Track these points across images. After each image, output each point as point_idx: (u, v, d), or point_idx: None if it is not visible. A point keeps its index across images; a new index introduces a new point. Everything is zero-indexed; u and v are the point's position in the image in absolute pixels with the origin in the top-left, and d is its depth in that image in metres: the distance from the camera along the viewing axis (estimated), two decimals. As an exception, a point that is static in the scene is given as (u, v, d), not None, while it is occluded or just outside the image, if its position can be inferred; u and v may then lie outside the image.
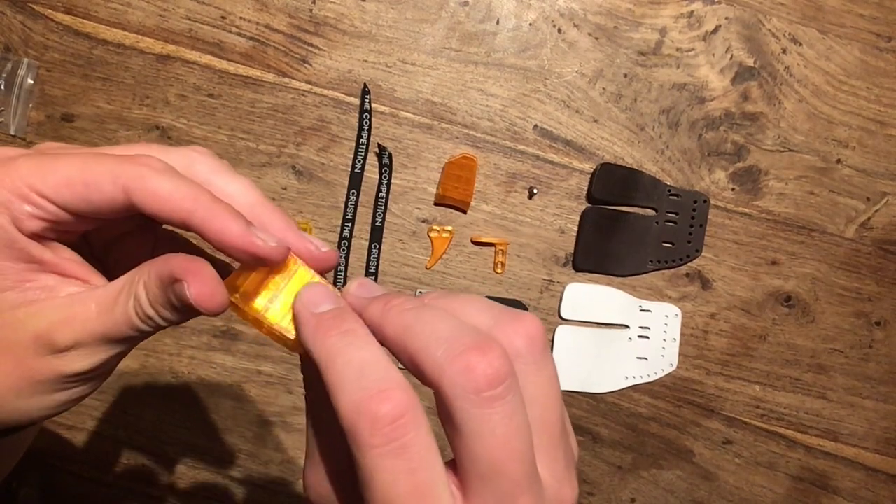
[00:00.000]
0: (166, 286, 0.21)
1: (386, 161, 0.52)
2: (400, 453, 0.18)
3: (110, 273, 0.24)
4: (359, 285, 0.23)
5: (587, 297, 0.54)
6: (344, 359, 0.20)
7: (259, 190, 0.24)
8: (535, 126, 0.54)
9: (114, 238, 0.25)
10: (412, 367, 0.20)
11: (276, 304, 0.22)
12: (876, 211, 0.56)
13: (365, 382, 0.19)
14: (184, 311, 0.21)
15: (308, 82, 0.52)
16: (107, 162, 0.21)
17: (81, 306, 0.22)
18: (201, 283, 0.20)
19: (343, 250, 0.53)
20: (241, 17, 0.52)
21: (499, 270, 0.54)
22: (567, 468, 0.21)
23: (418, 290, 0.53)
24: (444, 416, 0.19)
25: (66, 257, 0.23)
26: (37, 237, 0.21)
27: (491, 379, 0.18)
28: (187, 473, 0.52)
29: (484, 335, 0.19)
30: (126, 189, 0.21)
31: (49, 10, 0.51)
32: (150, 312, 0.21)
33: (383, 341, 0.21)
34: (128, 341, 0.22)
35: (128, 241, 0.25)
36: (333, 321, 0.21)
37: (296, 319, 0.22)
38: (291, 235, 0.23)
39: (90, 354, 0.22)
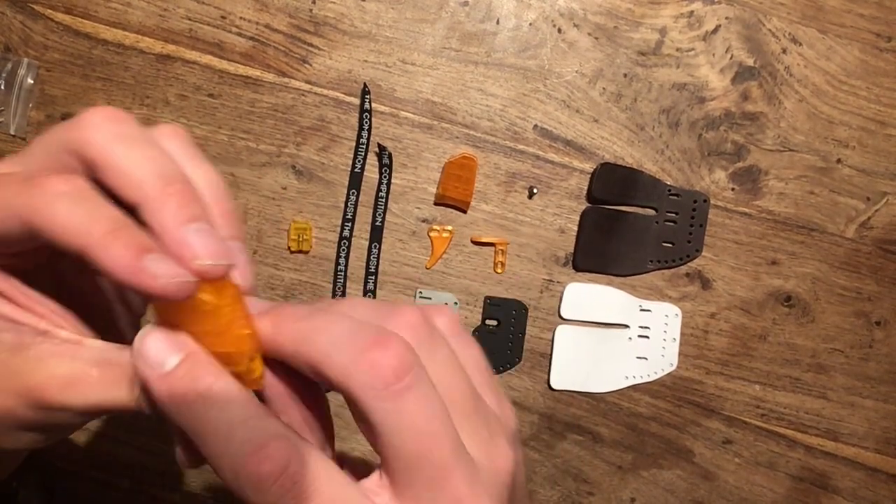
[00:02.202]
0: None
1: (386, 161, 0.52)
2: (298, 499, 0.18)
3: (87, 298, 0.23)
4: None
5: (587, 296, 0.54)
6: (209, 427, 0.18)
7: (222, 186, 0.21)
8: (535, 126, 0.54)
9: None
10: (317, 376, 0.19)
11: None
12: (876, 211, 0.56)
13: (237, 447, 0.18)
14: None
15: (308, 82, 0.52)
16: (3, 192, 0.19)
17: (83, 369, 0.20)
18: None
19: (343, 250, 0.53)
20: (241, 17, 0.52)
21: (499, 270, 0.54)
22: (492, 437, 0.21)
23: (419, 291, 0.54)
24: (359, 417, 0.19)
25: (30, 295, 0.21)
26: None
27: (397, 370, 0.18)
28: (188, 473, 0.52)
29: (381, 329, 0.19)
30: (24, 221, 0.19)
31: (49, 10, 0.51)
32: None
33: (280, 355, 0.20)
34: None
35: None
36: (186, 383, 0.18)
37: (142, 382, 0.19)
38: (225, 253, 0.19)
39: (80, 416, 0.20)
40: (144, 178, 0.19)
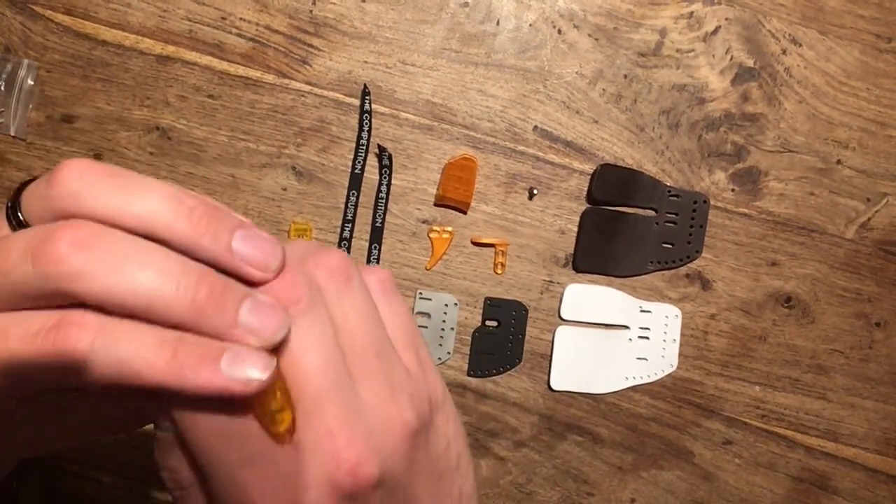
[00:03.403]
0: None
1: (386, 162, 0.52)
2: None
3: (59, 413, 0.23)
4: None
5: (587, 297, 0.54)
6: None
7: (178, 192, 0.19)
8: (535, 127, 0.54)
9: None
10: None
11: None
12: (876, 212, 0.56)
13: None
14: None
15: (308, 83, 0.52)
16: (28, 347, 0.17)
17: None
18: None
19: (343, 251, 0.53)
20: (241, 18, 0.52)
21: (499, 271, 0.54)
22: (393, 393, 0.21)
23: (419, 292, 0.54)
24: None
25: None
26: None
27: (286, 298, 0.19)
28: (187, 474, 0.53)
29: (293, 265, 0.20)
30: (64, 376, 0.18)
31: (49, 11, 0.51)
32: None
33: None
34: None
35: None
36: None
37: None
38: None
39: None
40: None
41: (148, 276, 0.17)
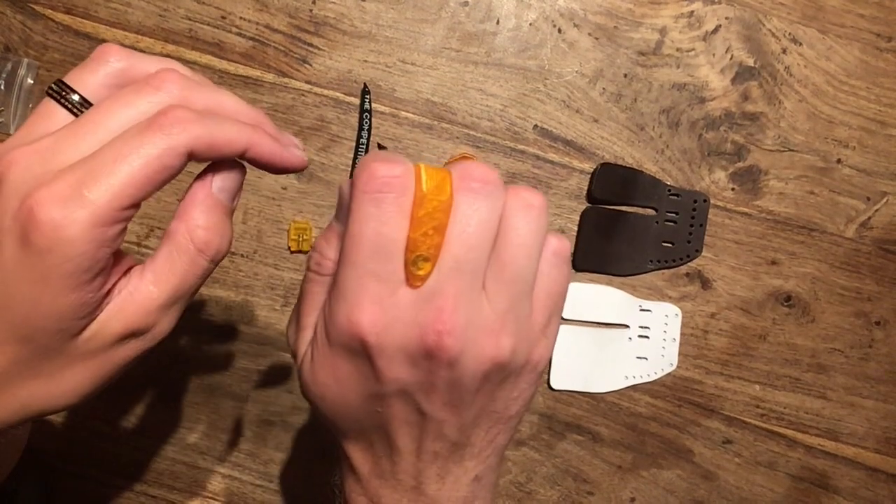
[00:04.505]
0: (210, 195, 0.24)
1: (386, 161, 0.52)
2: (377, 202, 0.22)
3: None
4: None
5: (587, 296, 0.54)
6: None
7: (242, 101, 0.25)
8: (535, 126, 0.54)
9: None
10: None
11: None
12: (876, 211, 0.56)
13: (374, 156, 0.23)
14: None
15: (308, 82, 0.52)
16: (155, 142, 0.22)
17: (141, 291, 0.24)
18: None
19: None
20: (241, 17, 0.52)
21: (499, 270, 0.54)
22: (505, 316, 0.24)
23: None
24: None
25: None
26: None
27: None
28: (187, 473, 0.52)
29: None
30: (189, 153, 0.22)
31: (49, 10, 0.51)
32: (212, 235, 0.24)
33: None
34: (194, 292, 0.25)
35: None
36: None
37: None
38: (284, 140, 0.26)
39: (169, 318, 0.25)
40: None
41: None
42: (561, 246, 0.25)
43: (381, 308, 0.23)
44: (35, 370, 0.22)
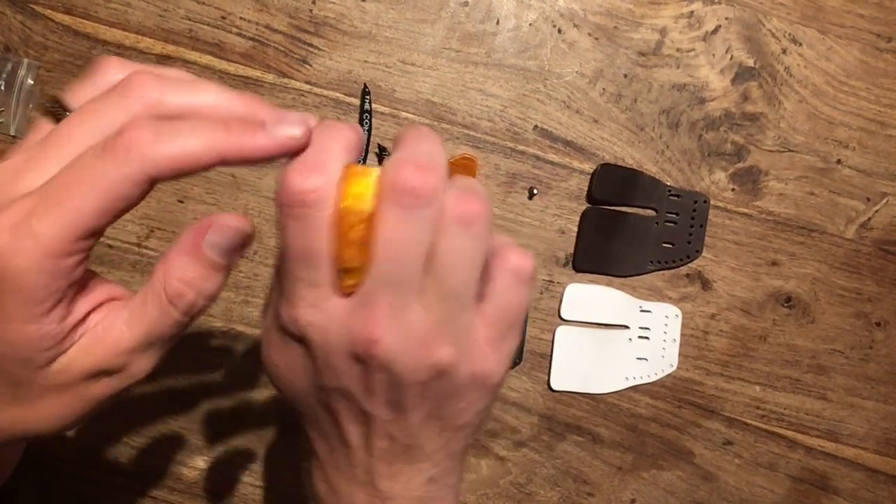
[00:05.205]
0: (197, 247, 0.23)
1: (386, 161, 0.52)
2: (296, 218, 0.22)
3: None
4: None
5: (587, 297, 0.54)
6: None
7: (228, 89, 0.24)
8: (535, 126, 0.54)
9: None
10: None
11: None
12: (876, 211, 0.56)
13: (294, 166, 0.22)
14: (229, 255, 0.23)
15: (308, 83, 0.52)
16: (108, 172, 0.21)
17: (113, 330, 0.23)
18: (224, 218, 0.23)
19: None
20: (241, 18, 0.52)
21: (499, 271, 0.54)
22: (441, 324, 0.23)
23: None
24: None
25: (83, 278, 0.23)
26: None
27: (417, 190, 0.21)
28: (187, 474, 0.52)
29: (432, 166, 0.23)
30: (149, 180, 0.21)
31: (49, 11, 0.51)
32: (187, 289, 0.23)
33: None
34: (169, 339, 0.24)
35: None
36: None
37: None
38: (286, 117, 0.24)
39: (144, 360, 0.24)
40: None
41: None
42: (521, 264, 0.24)
43: (316, 309, 0.23)
44: (10, 396, 0.22)
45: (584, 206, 0.54)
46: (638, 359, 0.55)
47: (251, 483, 0.53)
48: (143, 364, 0.24)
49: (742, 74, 0.54)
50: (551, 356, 0.54)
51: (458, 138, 0.53)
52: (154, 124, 0.21)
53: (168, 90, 0.22)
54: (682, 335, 0.55)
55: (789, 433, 0.56)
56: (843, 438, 0.56)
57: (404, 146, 0.23)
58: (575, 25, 0.54)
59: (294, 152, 0.23)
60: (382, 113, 0.53)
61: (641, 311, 0.55)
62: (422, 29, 0.53)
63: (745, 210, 0.55)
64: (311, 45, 0.52)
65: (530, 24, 0.53)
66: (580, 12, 0.53)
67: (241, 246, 0.23)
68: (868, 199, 0.56)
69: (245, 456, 0.53)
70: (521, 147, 0.54)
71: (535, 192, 0.54)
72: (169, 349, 0.25)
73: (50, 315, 0.21)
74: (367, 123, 0.52)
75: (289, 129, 0.22)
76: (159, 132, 0.21)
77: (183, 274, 0.22)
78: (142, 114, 0.22)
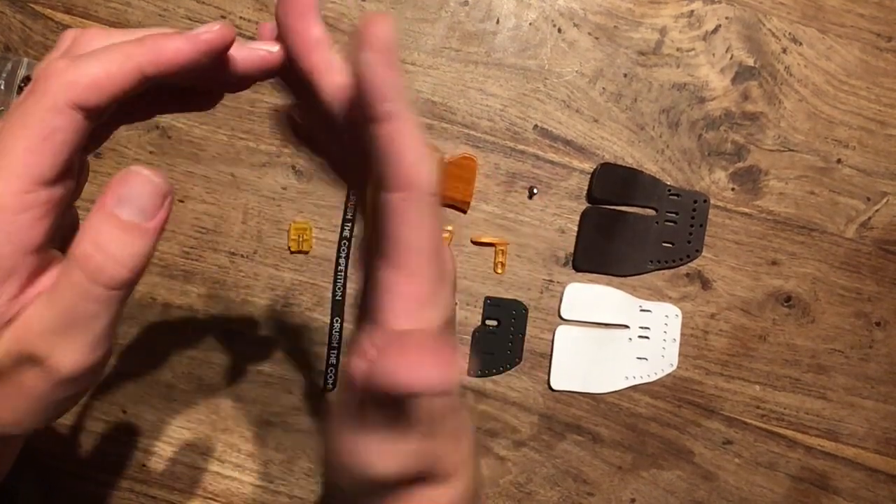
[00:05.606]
0: (105, 205, 0.21)
1: (386, 161, 0.52)
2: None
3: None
4: None
5: (587, 297, 0.54)
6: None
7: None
8: (535, 126, 0.54)
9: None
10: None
11: None
12: (876, 211, 0.56)
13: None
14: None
15: (308, 82, 0.52)
16: (30, 107, 0.20)
17: (35, 307, 0.21)
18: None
19: (343, 250, 0.53)
20: (241, 17, 0.52)
21: (499, 271, 0.54)
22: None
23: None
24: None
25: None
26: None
27: (427, 186, 0.21)
28: (187, 474, 0.52)
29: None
30: (77, 105, 0.20)
31: (49, 10, 0.51)
32: (94, 251, 0.21)
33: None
34: (90, 319, 0.21)
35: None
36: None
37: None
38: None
39: (70, 349, 0.21)
40: None
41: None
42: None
43: None
44: None
45: (583, 205, 0.54)
46: (638, 358, 0.55)
47: (252, 483, 0.53)
48: (69, 355, 0.20)
49: (742, 74, 0.54)
50: (551, 356, 0.54)
51: (457, 138, 0.53)
52: (68, 56, 0.21)
53: (86, 34, 0.23)
54: (682, 335, 0.55)
55: (789, 433, 0.56)
56: (842, 438, 0.56)
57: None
58: (575, 25, 0.53)
59: (217, 53, 0.22)
60: (382, 112, 0.53)
61: (641, 310, 0.55)
62: (422, 28, 0.53)
63: (745, 209, 0.55)
64: (310, 44, 0.52)
65: (530, 24, 0.53)
66: (580, 12, 0.53)
67: (154, 205, 0.20)
68: (868, 199, 0.56)
69: (247, 456, 0.53)
70: (520, 146, 0.54)
71: (535, 191, 0.54)
72: (105, 346, 0.21)
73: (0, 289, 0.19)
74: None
75: (202, 29, 0.22)
76: (74, 60, 0.20)
77: (93, 235, 0.20)
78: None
